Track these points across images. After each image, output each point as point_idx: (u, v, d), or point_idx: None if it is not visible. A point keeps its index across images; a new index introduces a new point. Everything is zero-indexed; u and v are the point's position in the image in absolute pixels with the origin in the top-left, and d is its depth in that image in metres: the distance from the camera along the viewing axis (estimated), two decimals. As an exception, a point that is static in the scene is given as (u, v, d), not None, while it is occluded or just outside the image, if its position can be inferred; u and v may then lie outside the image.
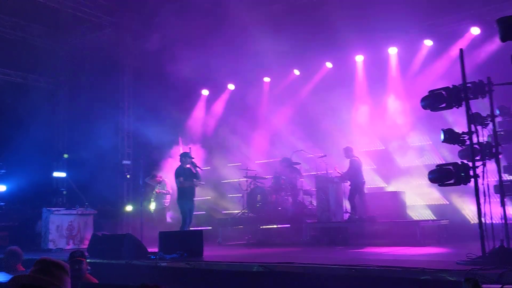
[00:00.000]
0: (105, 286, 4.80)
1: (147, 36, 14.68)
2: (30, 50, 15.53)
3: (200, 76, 14.69)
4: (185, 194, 10.91)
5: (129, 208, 14.97)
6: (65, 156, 16.19)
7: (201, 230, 9.93)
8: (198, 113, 16.50)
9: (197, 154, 14.64)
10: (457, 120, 9.93)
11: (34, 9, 13.76)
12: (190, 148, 12.84)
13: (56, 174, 15.67)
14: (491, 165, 6.51)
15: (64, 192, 15.27)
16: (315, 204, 12.44)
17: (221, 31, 12.77)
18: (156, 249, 8.73)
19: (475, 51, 11.28)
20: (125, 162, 15.53)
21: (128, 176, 15.18)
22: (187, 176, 10.94)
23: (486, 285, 3.73)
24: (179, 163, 11.14)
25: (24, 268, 6.99)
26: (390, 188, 12.60)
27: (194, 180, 11.06)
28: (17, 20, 14.87)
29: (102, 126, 14.06)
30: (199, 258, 8.35)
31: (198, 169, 11.15)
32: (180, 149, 14.00)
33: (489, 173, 6.27)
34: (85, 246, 10.69)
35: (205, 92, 16.61)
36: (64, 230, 12.06)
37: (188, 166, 11.03)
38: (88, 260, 5.90)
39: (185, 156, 11.15)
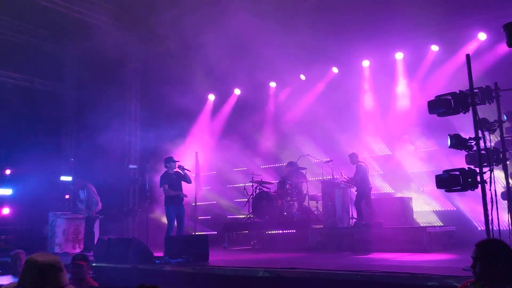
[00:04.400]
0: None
1: (154, 40, 14.73)
2: (37, 54, 15.57)
3: (207, 81, 14.73)
4: (172, 200, 10.69)
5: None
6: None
7: (206, 234, 9.91)
8: (205, 117, 16.56)
9: (203, 159, 14.67)
10: (462, 126, 9.90)
11: (41, 13, 13.80)
12: (196, 152, 12.83)
13: (63, 178, 15.72)
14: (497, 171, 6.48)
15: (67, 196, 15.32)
16: (321, 210, 12.41)
17: (227, 35, 12.79)
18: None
19: (482, 57, 11.24)
20: (131, 166, 15.56)
21: (134, 179, 15.20)
22: (173, 182, 10.74)
23: None
24: (165, 169, 10.89)
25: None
26: (397, 193, 12.55)
27: (183, 181, 10.93)
28: (24, 24, 14.91)
29: (109, 130, 14.09)
30: (204, 262, 8.34)
31: (186, 171, 10.96)
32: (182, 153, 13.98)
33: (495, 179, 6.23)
34: (91, 250, 10.71)
35: (211, 97, 16.67)
36: (70, 234, 12.09)
37: (176, 170, 10.87)
38: (94, 264, 5.91)
39: (169, 161, 10.84)
